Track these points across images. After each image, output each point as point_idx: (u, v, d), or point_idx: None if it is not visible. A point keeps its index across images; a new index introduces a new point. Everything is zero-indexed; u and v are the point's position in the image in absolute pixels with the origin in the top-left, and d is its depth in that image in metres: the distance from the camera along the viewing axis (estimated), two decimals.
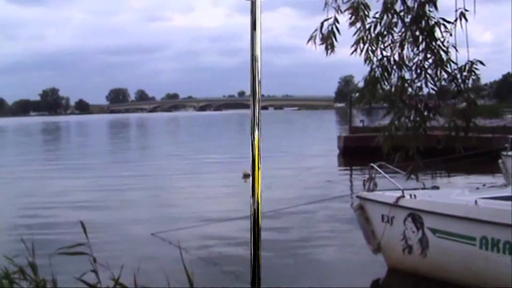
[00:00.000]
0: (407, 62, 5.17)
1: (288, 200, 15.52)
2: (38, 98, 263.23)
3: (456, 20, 4.93)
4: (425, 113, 5.18)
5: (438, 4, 5.04)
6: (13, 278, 4.78)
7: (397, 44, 5.15)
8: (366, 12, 5.11)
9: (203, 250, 10.86)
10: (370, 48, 5.22)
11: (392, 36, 5.17)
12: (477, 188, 9.18)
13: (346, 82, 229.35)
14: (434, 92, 5.18)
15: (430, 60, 5.09)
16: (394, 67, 5.20)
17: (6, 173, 24.15)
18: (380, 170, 9.13)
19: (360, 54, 5.29)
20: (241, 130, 70.27)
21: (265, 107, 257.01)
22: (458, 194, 8.78)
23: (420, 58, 5.12)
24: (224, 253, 10.77)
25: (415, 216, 8.49)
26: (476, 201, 7.80)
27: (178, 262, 4.78)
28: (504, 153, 15.98)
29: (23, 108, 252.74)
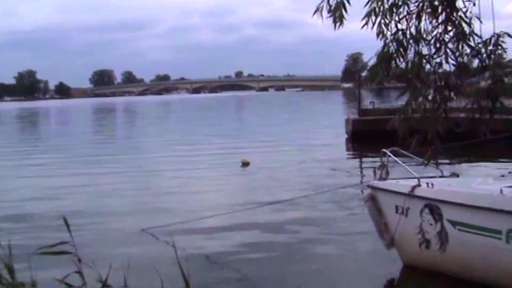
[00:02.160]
0: (425, 36, 5.10)
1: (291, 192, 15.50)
2: (13, 81, 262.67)
3: None
4: (445, 92, 5.13)
5: None
6: None
7: (414, 16, 5.08)
8: None
9: (199, 247, 10.81)
10: (383, 20, 5.15)
11: (408, 7, 5.11)
12: (502, 176, 9.14)
13: (354, 60, 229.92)
14: (455, 68, 5.12)
15: (451, 33, 5.03)
16: (411, 41, 5.13)
17: None
18: (393, 156, 9.08)
19: (372, 27, 5.23)
20: (238, 114, 70.31)
21: (265, 88, 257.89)
22: (480, 182, 8.72)
23: (440, 31, 5.05)
24: (223, 251, 10.72)
25: (433, 207, 8.44)
26: (501, 190, 7.73)
27: (172, 260, 4.75)
28: None
29: None
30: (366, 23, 5.21)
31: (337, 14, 5.08)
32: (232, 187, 17.76)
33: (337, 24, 5.20)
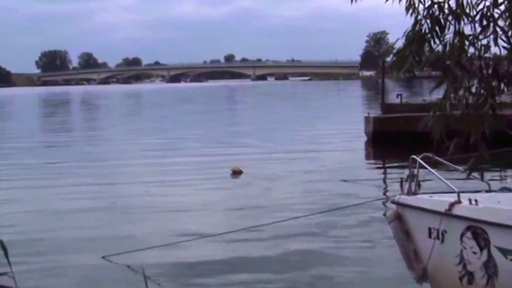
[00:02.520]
0: (467, 11, 5.10)
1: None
2: None
3: None
4: (494, 83, 5.12)
5: None
6: None
7: None
8: None
9: (176, 279, 10.82)
10: None
11: None
12: None
13: (377, 41, 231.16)
14: (507, 52, 5.12)
15: (502, 7, 5.03)
16: (449, 17, 5.13)
17: None
18: (426, 165, 9.07)
19: (400, 0, 5.24)
20: (229, 110, 70.40)
21: (263, 77, 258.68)
22: None
23: (487, 4, 5.05)
24: (205, 283, 10.74)
25: (477, 231, 8.43)
26: None
27: None
28: None
29: None
30: None
31: None
32: (218, 202, 17.73)
33: None
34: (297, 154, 27.37)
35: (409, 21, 5.27)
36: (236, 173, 21.49)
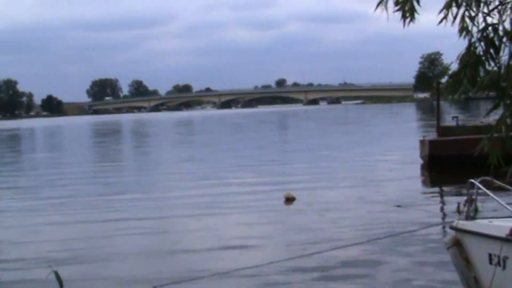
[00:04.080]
0: None
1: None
2: None
3: None
4: None
5: None
6: None
7: (509, 6, 5.07)
8: None
9: None
10: (467, 13, 5.16)
11: None
12: None
13: (431, 62, 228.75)
14: None
15: None
16: (504, 39, 5.11)
17: None
18: (484, 189, 9.00)
19: (453, 22, 5.24)
20: (281, 136, 70.44)
21: (315, 101, 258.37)
22: None
23: None
24: None
25: None
26: None
27: None
28: None
29: None
30: (445, 17, 5.21)
31: (407, 7, 5.10)
32: (271, 230, 17.75)
33: (407, 20, 5.22)
34: (351, 179, 27.28)
35: (462, 41, 5.27)
36: (289, 200, 21.55)
